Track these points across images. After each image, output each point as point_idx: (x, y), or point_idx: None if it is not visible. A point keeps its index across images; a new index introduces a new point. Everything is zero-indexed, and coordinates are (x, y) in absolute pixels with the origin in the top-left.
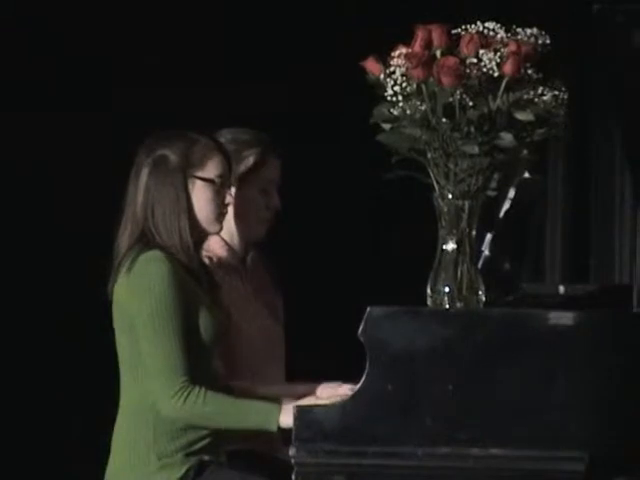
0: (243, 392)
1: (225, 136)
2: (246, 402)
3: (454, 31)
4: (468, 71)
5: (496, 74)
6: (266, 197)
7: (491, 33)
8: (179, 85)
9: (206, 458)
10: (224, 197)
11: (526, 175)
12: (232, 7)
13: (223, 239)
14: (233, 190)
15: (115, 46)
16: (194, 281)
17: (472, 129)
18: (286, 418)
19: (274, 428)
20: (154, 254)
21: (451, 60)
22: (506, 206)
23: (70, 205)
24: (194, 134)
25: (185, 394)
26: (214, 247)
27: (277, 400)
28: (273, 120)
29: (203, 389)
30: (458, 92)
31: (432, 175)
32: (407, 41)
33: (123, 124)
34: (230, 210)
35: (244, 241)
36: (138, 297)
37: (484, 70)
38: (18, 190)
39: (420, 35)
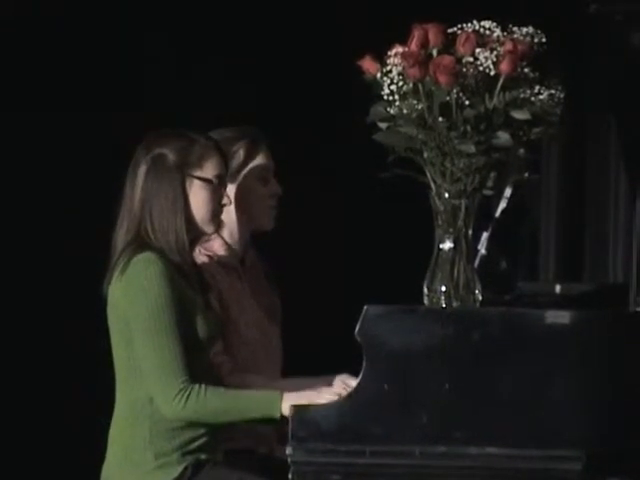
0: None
1: None
2: (247, 393)
3: (450, 30)
4: (464, 70)
5: (492, 73)
6: (265, 185)
7: (487, 32)
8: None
9: (203, 457)
10: (221, 197)
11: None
12: (232, 4)
13: (223, 239)
14: (232, 187)
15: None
16: (187, 282)
17: (468, 128)
18: (288, 406)
19: (277, 415)
20: (147, 256)
21: (447, 59)
22: (503, 205)
23: (69, 203)
24: (193, 134)
25: (186, 394)
26: (214, 246)
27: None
28: (272, 119)
29: (203, 386)
30: (454, 91)
31: (429, 174)
32: (403, 40)
33: (122, 123)
34: (231, 210)
35: (245, 239)
36: (132, 300)
37: (480, 69)
38: (17, 189)
39: (416, 34)
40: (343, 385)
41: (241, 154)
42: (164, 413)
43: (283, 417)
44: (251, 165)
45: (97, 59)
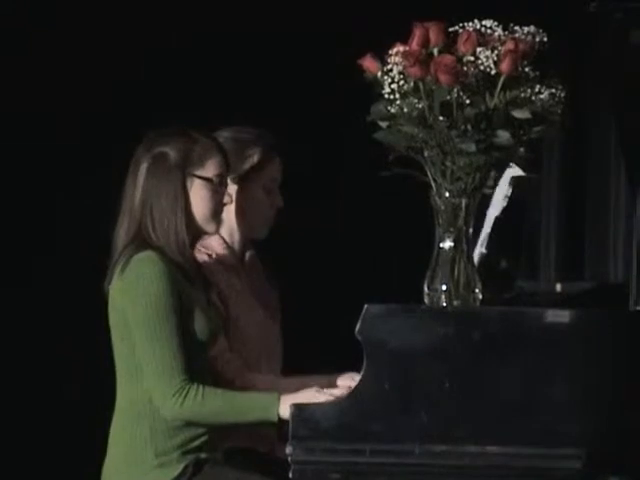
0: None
1: (224, 135)
2: (245, 395)
3: (451, 29)
4: (465, 69)
5: (493, 72)
6: (269, 195)
7: (488, 31)
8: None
9: (203, 456)
10: (222, 196)
11: (518, 171)
12: (232, 5)
13: (222, 237)
14: (234, 189)
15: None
16: (187, 281)
17: (469, 127)
18: (286, 408)
19: (274, 418)
20: (147, 255)
21: (448, 58)
22: (503, 204)
23: (69, 202)
24: (194, 132)
25: (184, 393)
26: (213, 245)
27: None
28: (272, 119)
29: (201, 386)
30: (455, 90)
31: (429, 173)
32: (404, 39)
33: (123, 123)
34: (231, 209)
35: (244, 239)
36: (132, 299)
37: (481, 68)
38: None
39: (417, 33)
40: (346, 384)
41: (255, 159)
42: (162, 413)
43: (280, 420)
44: (260, 173)
45: (97, 57)
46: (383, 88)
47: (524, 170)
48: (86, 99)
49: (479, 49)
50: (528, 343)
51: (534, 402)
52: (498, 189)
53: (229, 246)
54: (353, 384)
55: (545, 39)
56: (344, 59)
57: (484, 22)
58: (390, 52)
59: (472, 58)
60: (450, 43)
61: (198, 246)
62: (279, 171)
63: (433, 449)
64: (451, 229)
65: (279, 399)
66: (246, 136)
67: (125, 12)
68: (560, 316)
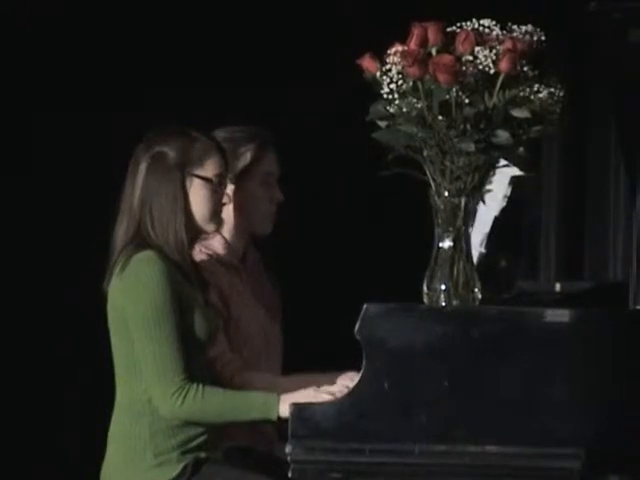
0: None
1: (219, 135)
2: (244, 394)
3: (450, 29)
4: (464, 69)
5: (492, 71)
6: (268, 190)
7: (487, 30)
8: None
9: (203, 455)
10: (221, 196)
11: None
12: (231, 5)
13: (223, 237)
14: (231, 188)
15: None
16: (186, 281)
17: (468, 126)
18: (285, 407)
19: (274, 417)
20: (147, 255)
21: (447, 58)
22: (502, 204)
23: (69, 201)
24: (194, 132)
25: (184, 393)
26: (215, 245)
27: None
28: (271, 118)
29: (201, 386)
30: (454, 90)
31: (428, 173)
32: (403, 39)
33: (123, 123)
34: (230, 208)
35: (245, 239)
36: (132, 299)
37: (480, 67)
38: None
39: (416, 33)
40: (345, 383)
41: (248, 156)
42: (161, 412)
43: (280, 419)
44: (256, 168)
45: (97, 58)
46: (382, 88)
47: (523, 169)
48: (86, 99)
49: (477, 48)
50: (528, 343)
51: (534, 402)
52: (489, 186)
53: (230, 246)
54: (352, 384)
55: (543, 38)
56: (344, 59)
57: (482, 21)
58: (389, 52)
59: (471, 57)
60: (449, 43)
61: (199, 246)
62: (275, 165)
63: (433, 449)
64: (450, 228)
65: (278, 399)
66: (240, 134)
67: (125, 11)
68: (560, 316)
